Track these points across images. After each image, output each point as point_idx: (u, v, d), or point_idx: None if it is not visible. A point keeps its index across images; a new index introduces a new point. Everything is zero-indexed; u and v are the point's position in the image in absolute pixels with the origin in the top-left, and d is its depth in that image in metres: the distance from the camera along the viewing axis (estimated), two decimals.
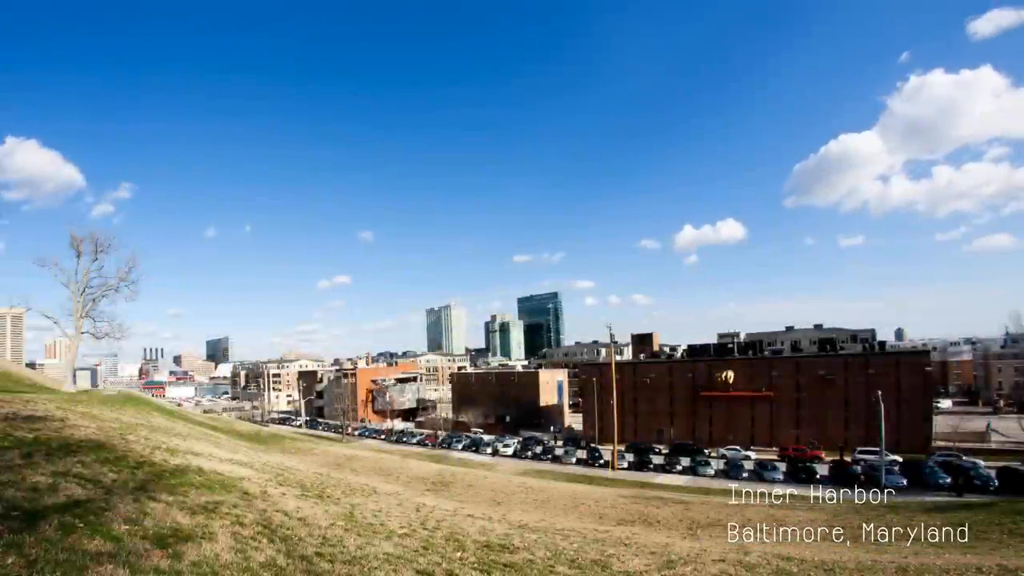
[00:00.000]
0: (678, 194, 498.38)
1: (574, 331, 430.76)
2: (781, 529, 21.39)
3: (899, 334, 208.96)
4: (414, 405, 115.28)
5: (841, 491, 38.62)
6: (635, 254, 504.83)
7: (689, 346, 78.90)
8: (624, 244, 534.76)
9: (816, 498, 34.56)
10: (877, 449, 44.60)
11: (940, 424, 56.01)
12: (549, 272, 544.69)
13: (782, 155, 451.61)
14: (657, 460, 53.08)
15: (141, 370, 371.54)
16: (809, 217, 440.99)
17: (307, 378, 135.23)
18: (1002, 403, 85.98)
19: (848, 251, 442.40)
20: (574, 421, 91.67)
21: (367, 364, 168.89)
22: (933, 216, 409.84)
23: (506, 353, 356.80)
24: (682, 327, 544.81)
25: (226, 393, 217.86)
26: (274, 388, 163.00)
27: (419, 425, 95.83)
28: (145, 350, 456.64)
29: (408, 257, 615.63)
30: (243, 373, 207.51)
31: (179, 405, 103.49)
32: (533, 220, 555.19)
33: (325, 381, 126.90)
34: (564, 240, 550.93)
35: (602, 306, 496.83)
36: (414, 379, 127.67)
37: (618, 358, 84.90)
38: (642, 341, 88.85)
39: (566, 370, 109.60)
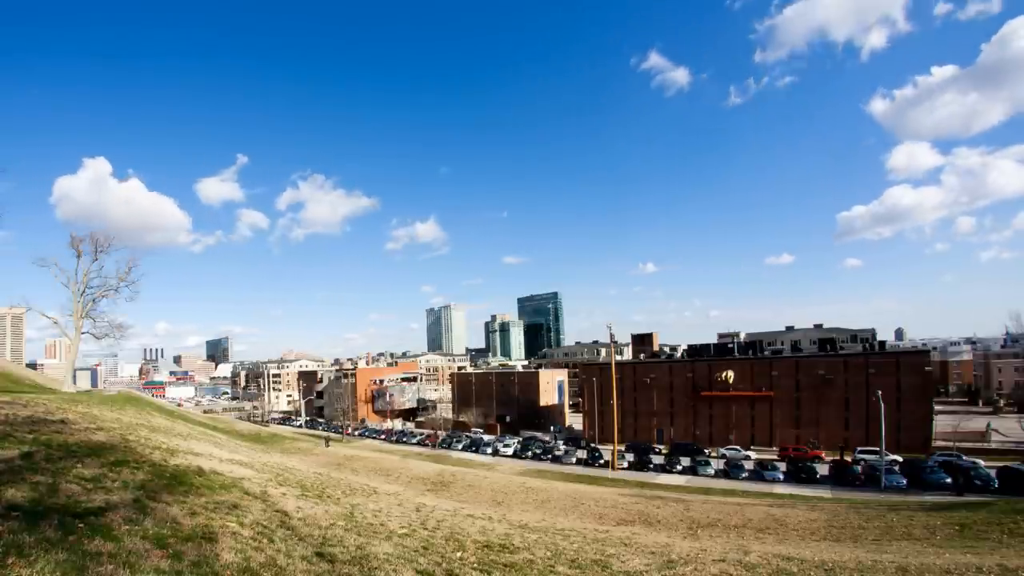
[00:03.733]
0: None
1: (574, 331, 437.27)
2: (781, 529, 21.42)
3: (899, 334, 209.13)
4: (414, 405, 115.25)
5: (841, 491, 38.90)
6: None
7: (689, 346, 78.84)
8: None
9: (816, 498, 34.65)
10: (877, 449, 44.63)
11: (940, 424, 56.03)
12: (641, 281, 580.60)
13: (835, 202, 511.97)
14: (657, 460, 53.05)
15: (141, 370, 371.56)
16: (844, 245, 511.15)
17: (307, 378, 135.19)
18: (1002, 403, 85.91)
19: (874, 269, 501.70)
20: (574, 421, 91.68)
21: (367, 364, 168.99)
22: (949, 240, 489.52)
23: (506, 353, 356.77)
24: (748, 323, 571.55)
25: (226, 393, 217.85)
26: (274, 388, 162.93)
27: (419, 425, 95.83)
28: (145, 350, 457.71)
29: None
30: (243, 373, 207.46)
31: (179, 405, 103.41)
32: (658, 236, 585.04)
33: (325, 381, 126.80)
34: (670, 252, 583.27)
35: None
36: (414, 379, 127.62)
37: (618, 358, 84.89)
38: (642, 341, 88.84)
39: (566, 370, 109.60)
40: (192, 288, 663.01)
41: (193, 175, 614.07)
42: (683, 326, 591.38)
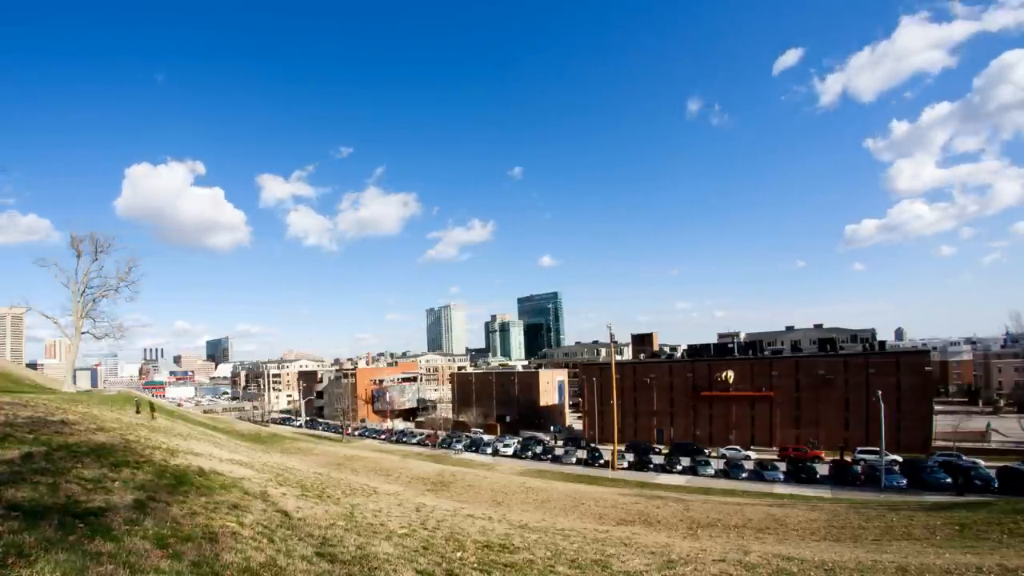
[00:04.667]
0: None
1: (575, 331, 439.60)
2: (781, 529, 21.43)
3: (899, 334, 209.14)
4: (414, 405, 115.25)
5: (841, 491, 38.91)
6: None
7: (689, 346, 78.79)
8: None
9: (816, 498, 34.65)
10: (877, 449, 44.62)
11: (940, 424, 56.02)
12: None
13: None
14: (657, 460, 53.03)
15: (141, 370, 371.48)
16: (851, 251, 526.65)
17: (307, 378, 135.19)
18: (1002, 403, 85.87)
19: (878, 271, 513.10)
20: (574, 421, 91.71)
21: (367, 364, 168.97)
22: (954, 244, 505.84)
23: (506, 353, 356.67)
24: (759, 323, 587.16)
25: (226, 393, 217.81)
26: (274, 388, 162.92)
27: (419, 425, 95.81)
28: (145, 350, 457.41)
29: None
30: (243, 373, 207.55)
31: (179, 405, 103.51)
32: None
33: (325, 381, 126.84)
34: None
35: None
36: (414, 379, 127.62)
37: (618, 358, 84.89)
38: (642, 341, 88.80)
39: (566, 370, 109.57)
40: (219, 289, 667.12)
41: (254, 174, 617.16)
42: (689, 326, 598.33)
